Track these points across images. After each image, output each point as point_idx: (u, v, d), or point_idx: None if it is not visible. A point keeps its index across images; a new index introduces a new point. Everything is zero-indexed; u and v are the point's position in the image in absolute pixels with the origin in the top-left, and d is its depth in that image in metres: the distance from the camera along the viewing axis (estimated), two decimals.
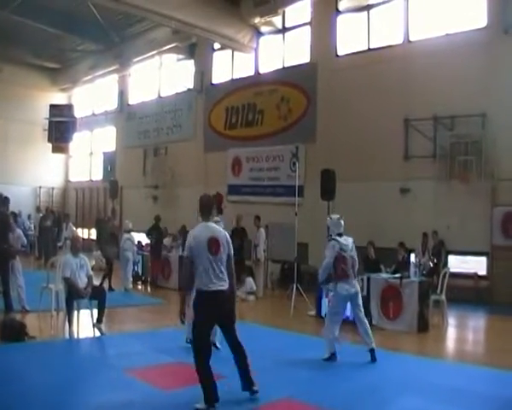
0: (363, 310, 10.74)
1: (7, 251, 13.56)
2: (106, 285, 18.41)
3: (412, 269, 13.91)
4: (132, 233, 20.51)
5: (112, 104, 35.30)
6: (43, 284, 13.29)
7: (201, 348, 7.49)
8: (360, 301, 10.70)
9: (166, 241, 21.59)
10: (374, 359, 10.25)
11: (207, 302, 7.51)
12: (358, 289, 10.75)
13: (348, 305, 11.73)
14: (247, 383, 7.82)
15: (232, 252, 7.92)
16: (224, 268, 7.67)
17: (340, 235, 10.80)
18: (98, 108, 36.96)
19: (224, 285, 7.60)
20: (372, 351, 10.34)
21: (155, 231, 20.92)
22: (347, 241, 10.77)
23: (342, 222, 10.95)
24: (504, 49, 17.66)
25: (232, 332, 7.84)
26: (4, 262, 13.52)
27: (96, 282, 13.84)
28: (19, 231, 14.98)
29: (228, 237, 7.92)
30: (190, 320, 7.84)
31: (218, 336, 9.82)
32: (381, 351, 11.28)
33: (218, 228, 7.95)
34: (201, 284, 7.50)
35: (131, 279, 20.04)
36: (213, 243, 7.59)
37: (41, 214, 29.11)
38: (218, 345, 10.00)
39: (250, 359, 7.80)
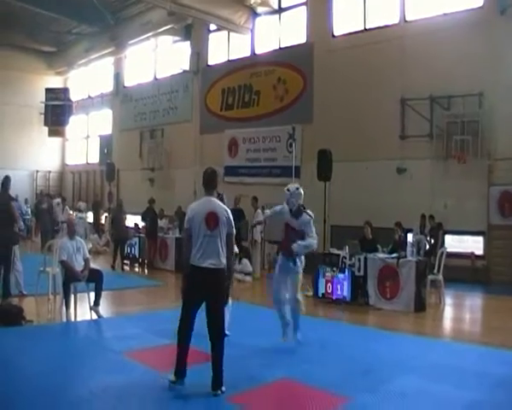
0: None
1: (11, 238, 13.60)
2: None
3: (409, 249, 13.90)
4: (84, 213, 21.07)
5: (108, 87, 35.25)
6: (40, 268, 13.27)
7: (183, 321, 7.46)
8: None
9: (163, 223, 21.60)
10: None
11: (195, 278, 7.42)
12: None
13: (347, 286, 11.89)
14: (214, 380, 7.39)
15: (233, 230, 7.72)
16: (222, 246, 7.47)
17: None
18: (94, 90, 36.91)
19: (217, 264, 7.41)
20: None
21: (150, 214, 20.98)
22: None
23: (302, 191, 9.97)
24: (501, 30, 17.57)
25: (214, 314, 7.49)
26: (8, 248, 13.54)
27: (94, 265, 13.81)
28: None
29: (229, 214, 7.69)
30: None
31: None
32: (378, 331, 11.36)
33: (220, 204, 7.79)
34: (194, 258, 7.40)
35: None
36: (211, 218, 7.42)
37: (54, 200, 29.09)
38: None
39: (244, 342, 7.78)
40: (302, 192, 9.93)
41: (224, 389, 7.35)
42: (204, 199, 7.71)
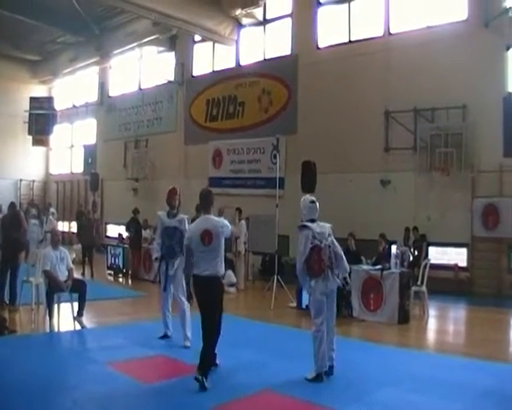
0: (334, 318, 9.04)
1: (19, 244, 13.65)
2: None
3: (393, 260, 13.93)
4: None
5: (92, 96, 35.14)
6: (23, 278, 13.21)
7: (204, 323, 8.14)
8: (335, 307, 9.04)
9: (147, 233, 21.52)
10: (331, 373, 8.69)
11: (198, 286, 8.30)
12: (335, 288, 8.93)
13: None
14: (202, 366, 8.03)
15: (229, 233, 8.79)
16: (217, 256, 8.36)
17: (312, 221, 9.06)
18: (79, 100, 36.75)
19: (213, 273, 8.28)
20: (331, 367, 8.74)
21: (133, 224, 20.97)
22: (323, 228, 9.06)
23: (317, 206, 9.22)
24: (484, 42, 17.70)
25: (214, 317, 8.30)
26: (16, 254, 13.58)
27: (77, 274, 13.78)
28: None
29: (223, 223, 8.56)
30: None
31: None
32: (361, 343, 11.36)
33: (216, 220, 8.55)
34: (195, 269, 8.29)
35: None
36: (206, 235, 8.26)
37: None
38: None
39: (227, 353, 7.78)
40: (317, 206, 9.30)
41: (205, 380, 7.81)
42: (201, 218, 8.60)
